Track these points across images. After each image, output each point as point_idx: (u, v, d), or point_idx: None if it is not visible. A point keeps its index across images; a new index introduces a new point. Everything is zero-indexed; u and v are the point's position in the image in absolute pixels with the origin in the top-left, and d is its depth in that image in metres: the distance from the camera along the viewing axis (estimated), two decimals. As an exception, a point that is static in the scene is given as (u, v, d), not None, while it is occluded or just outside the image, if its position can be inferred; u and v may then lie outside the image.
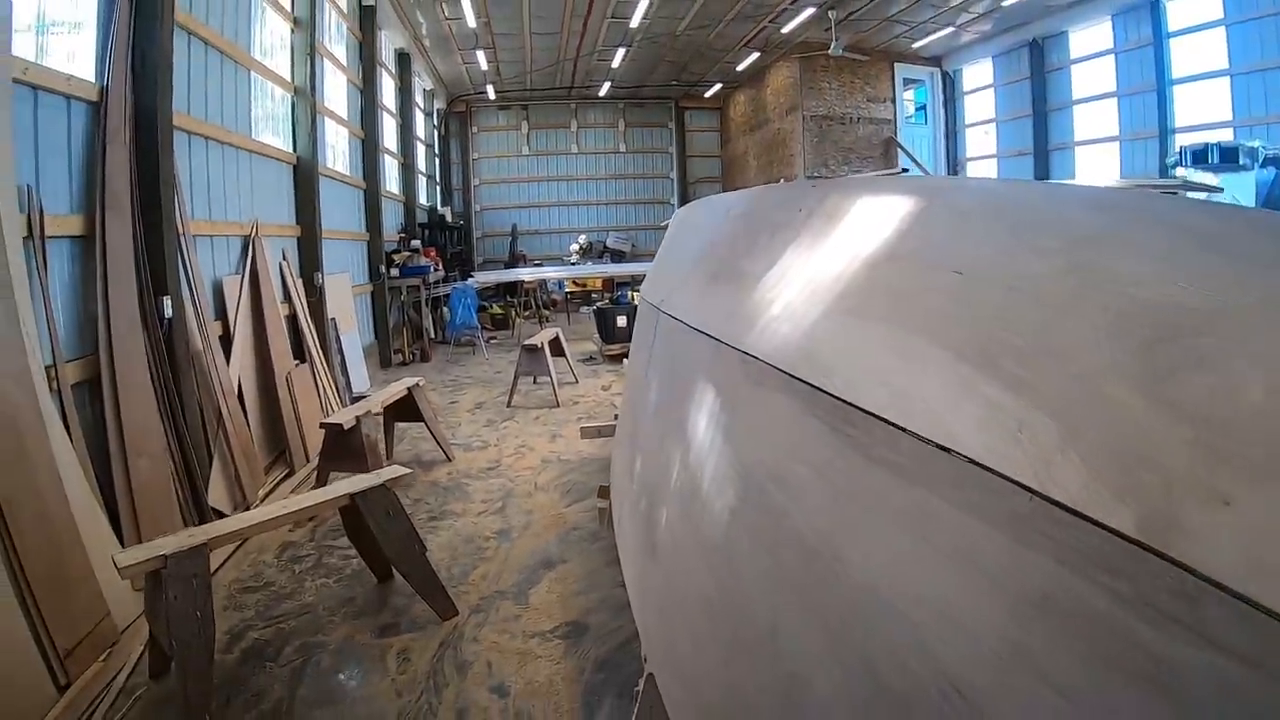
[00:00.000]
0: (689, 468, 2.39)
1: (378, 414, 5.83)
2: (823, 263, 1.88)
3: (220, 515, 5.09)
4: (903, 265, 1.59)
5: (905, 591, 1.15)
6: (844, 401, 1.36)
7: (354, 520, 3.97)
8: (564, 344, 9.82)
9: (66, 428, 3.87)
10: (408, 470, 4.00)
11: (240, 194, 6.76)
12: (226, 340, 6.01)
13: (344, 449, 5.15)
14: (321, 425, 5.29)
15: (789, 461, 1.60)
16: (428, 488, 5.95)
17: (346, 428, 5.14)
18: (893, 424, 1.22)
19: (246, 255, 6.70)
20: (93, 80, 4.52)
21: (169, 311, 4.89)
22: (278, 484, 6.10)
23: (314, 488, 5.41)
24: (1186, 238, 1.13)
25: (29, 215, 3.85)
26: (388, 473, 3.86)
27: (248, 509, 5.39)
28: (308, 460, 6.61)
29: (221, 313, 6.09)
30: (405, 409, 6.43)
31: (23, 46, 3.97)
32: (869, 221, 1.83)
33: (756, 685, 1.64)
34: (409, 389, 6.35)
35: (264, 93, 7.63)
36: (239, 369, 6.00)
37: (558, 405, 8.60)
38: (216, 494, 5.14)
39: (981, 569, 1.01)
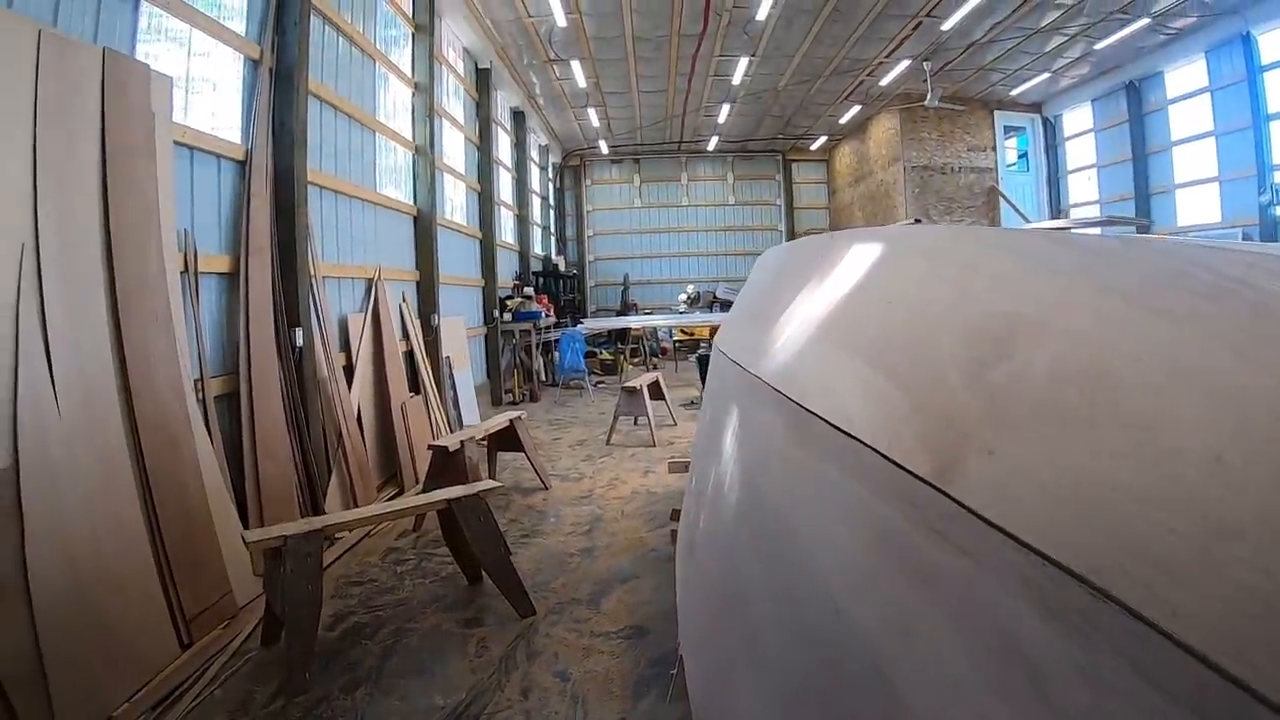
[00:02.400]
0: (719, 474, 2.76)
1: (481, 440, 6.30)
2: (812, 302, 2.24)
3: (336, 524, 5.66)
4: (855, 299, 1.95)
5: (818, 543, 1.47)
6: (799, 405, 1.69)
7: (450, 524, 4.42)
8: (664, 388, 10.16)
9: (208, 430, 4.49)
10: (498, 484, 4.43)
11: (365, 241, 7.52)
12: (349, 370, 6.67)
13: (449, 469, 5.63)
14: (429, 447, 5.80)
15: (766, 457, 1.96)
16: (523, 510, 6.36)
17: (451, 450, 5.63)
18: (819, 416, 1.53)
19: (369, 296, 7.42)
20: (238, 142, 5.27)
21: (300, 341, 5.54)
22: (389, 500, 6.65)
23: (419, 501, 5.92)
24: (1029, 262, 1.43)
25: (185, 254, 4.55)
26: (481, 485, 4.31)
27: (362, 522, 5.94)
28: (417, 481, 7.15)
29: (346, 345, 6.77)
30: (508, 439, 6.90)
31: (181, 111, 4.73)
32: (847, 267, 2.19)
33: (729, 644, 2.01)
34: (511, 420, 6.83)
35: (387, 151, 8.47)
36: (359, 396, 6.64)
37: (654, 445, 8.92)
38: (332, 502, 5.70)
39: (858, 518, 1.31)
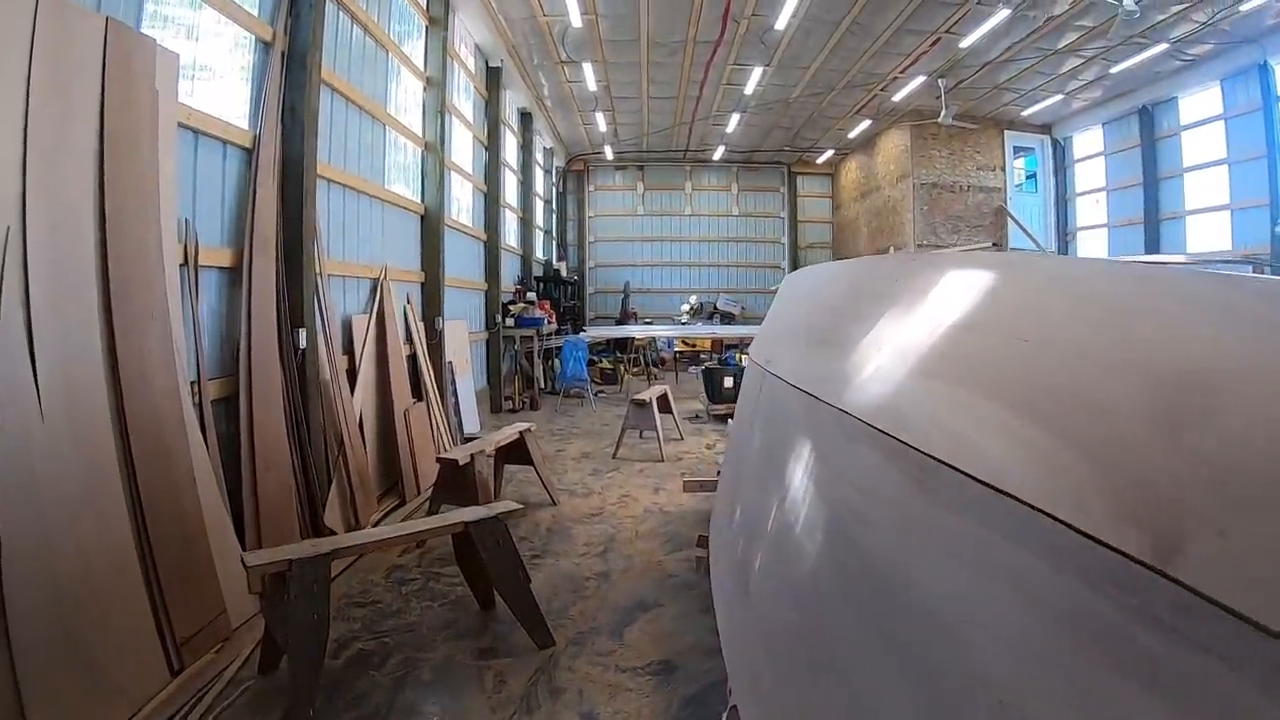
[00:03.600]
0: (784, 512, 2.49)
1: (490, 454, 5.98)
2: (909, 330, 2.06)
3: (333, 535, 5.32)
4: (976, 334, 1.78)
5: (963, 614, 1.31)
6: (919, 451, 1.53)
7: (465, 547, 4.09)
8: (671, 401, 9.86)
9: (204, 437, 4.16)
10: (519, 506, 4.09)
11: (371, 239, 7.20)
12: (351, 374, 6.34)
13: (457, 483, 5.31)
14: (438, 459, 5.48)
15: (870, 504, 1.77)
16: (532, 528, 6.03)
17: (461, 464, 5.30)
18: (956, 469, 1.37)
19: (374, 296, 7.10)
20: (246, 127, 4.95)
21: (303, 343, 5.21)
22: (389, 512, 6.33)
23: (427, 514, 5.58)
24: (1202, 306, 1.25)
25: (185, 245, 4.22)
26: (500, 506, 3.99)
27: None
28: (419, 492, 6.83)
29: (349, 348, 6.44)
30: (515, 452, 6.58)
31: (187, 92, 4.41)
32: (950, 294, 2.02)
33: (830, 708, 1.80)
34: (521, 433, 6.52)
35: (397, 146, 8.16)
36: (361, 401, 6.31)
37: (662, 460, 8.62)
38: (332, 515, 5.37)
39: (1026, 593, 1.16)
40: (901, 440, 1.63)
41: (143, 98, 3.81)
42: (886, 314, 2.32)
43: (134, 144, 3.71)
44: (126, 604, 3.27)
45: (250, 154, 4.92)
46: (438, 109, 8.91)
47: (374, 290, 7.14)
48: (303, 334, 5.20)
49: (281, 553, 3.25)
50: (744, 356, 14.86)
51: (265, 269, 4.88)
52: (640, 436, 9.52)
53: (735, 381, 11.86)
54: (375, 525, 5.90)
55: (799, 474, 2.46)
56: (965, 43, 12.20)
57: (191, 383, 4.15)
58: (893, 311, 2.30)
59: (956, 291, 2.06)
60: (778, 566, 2.44)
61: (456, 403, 9.39)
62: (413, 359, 7.91)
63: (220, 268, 4.63)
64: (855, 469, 1.94)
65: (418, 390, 7.82)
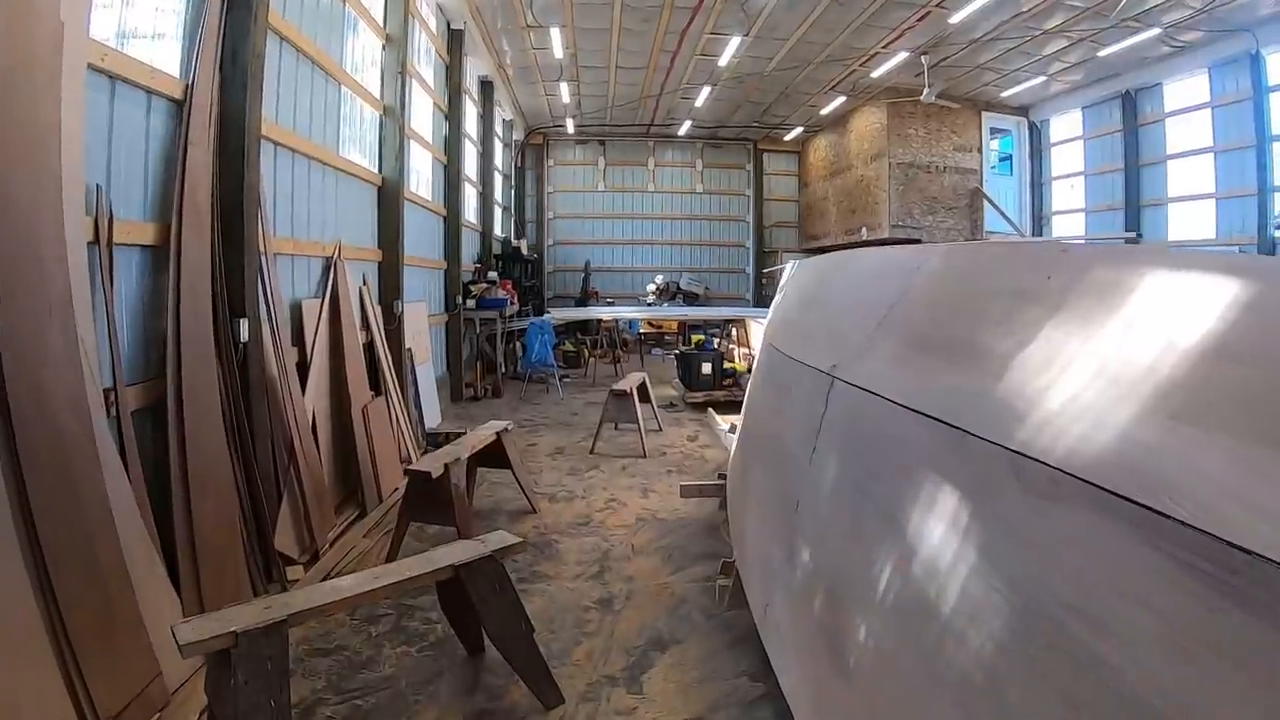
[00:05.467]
0: (911, 579, 1.96)
1: (465, 462, 5.25)
2: (1125, 351, 1.60)
3: (287, 560, 4.58)
4: (1252, 365, 1.34)
5: None
6: (1203, 532, 1.15)
7: (452, 591, 3.36)
8: (650, 390, 9.19)
9: (124, 459, 3.37)
10: (517, 539, 3.39)
11: (324, 213, 6.35)
12: (302, 368, 5.53)
13: (428, 498, 4.59)
14: (406, 471, 4.75)
15: (1108, 598, 1.34)
16: (512, 541, 5.33)
17: (434, 476, 4.56)
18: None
19: (327, 278, 6.26)
20: (177, 76, 4.09)
21: (245, 335, 4.41)
22: (348, 525, 5.57)
23: (392, 538, 4.84)
24: None
25: (96, 219, 3.39)
26: (494, 539, 3.27)
27: (315, 555, 4.87)
28: (380, 500, 6.07)
29: (299, 338, 5.62)
30: (490, 453, 5.84)
31: (103, 28, 3.56)
32: (1181, 306, 1.57)
33: None
34: (498, 434, 5.78)
35: (353, 109, 7.28)
36: (314, 399, 5.52)
37: (644, 455, 7.96)
38: (283, 537, 4.61)
39: None
40: (1170, 516, 1.21)
41: (40, 29, 2.96)
42: (1058, 321, 1.82)
43: (28, 86, 2.87)
44: (32, 686, 2.51)
45: (181, 108, 4.06)
46: (397, 70, 8.02)
47: (327, 270, 6.30)
48: (244, 324, 4.39)
49: (225, 620, 2.50)
50: (722, 341, 14.28)
51: (198, 247, 4.05)
52: (616, 428, 8.83)
53: (714, 368, 11.26)
54: (333, 542, 5.15)
55: (937, 529, 1.90)
56: (955, 18, 11.64)
57: (106, 391, 3.33)
58: (1068, 319, 1.81)
59: (1184, 302, 1.57)
60: (911, 649, 1.90)
61: (417, 394, 8.58)
62: (370, 348, 7.09)
63: (142, 246, 3.79)
64: (1070, 546, 1.46)
65: (376, 383, 7.01)
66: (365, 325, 7.03)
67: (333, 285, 6.24)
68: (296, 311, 5.67)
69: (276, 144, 5.30)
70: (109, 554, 3.00)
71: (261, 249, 4.80)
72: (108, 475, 3.11)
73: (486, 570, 3.09)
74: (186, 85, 4.09)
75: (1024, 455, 1.60)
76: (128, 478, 3.32)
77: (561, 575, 4.75)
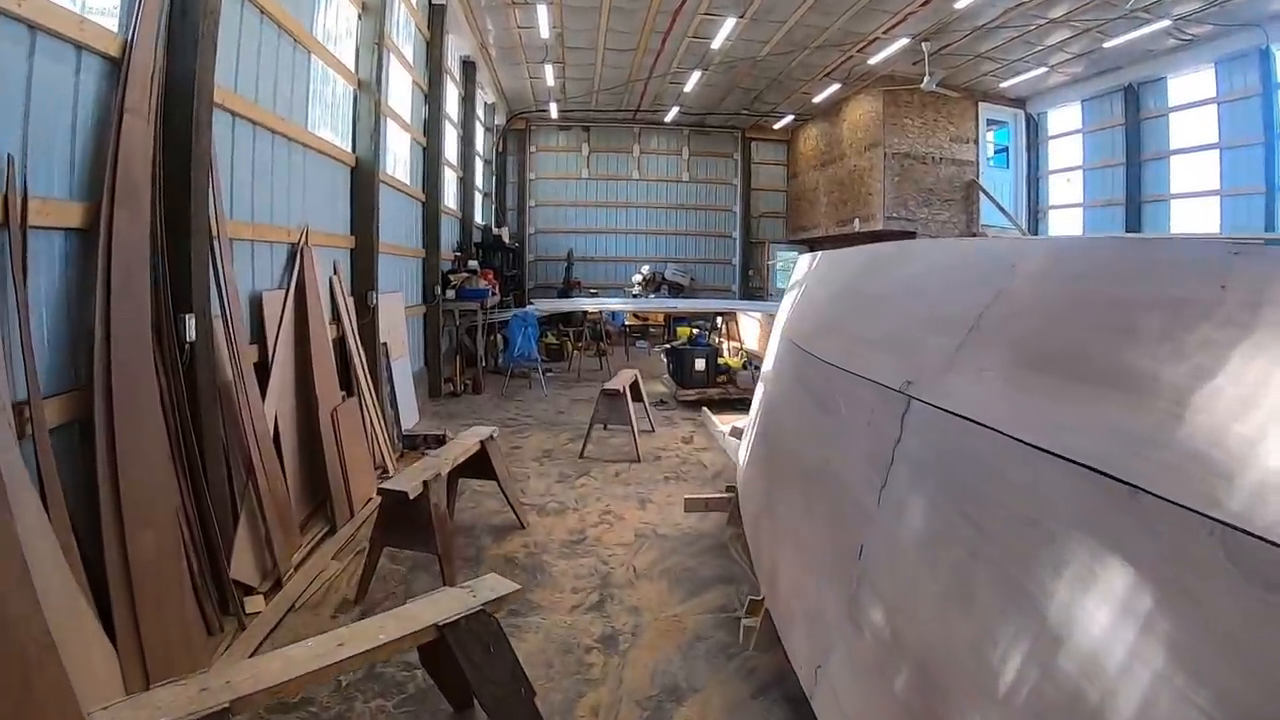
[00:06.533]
0: (1059, 673, 1.47)
1: (445, 477, 4.69)
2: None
3: (246, 590, 4.02)
4: None
5: None
6: None
7: (437, 651, 2.80)
8: (642, 388, 8.66)
9: (42, 489, 2.79)
10: (516, 587, 2.85)
11: (290, 194, 5.72)
12: (263, 369, 4.93)
13: (406, 521, 4.04)
14: (380, 491, 4.20)
15: None
16: (501, 563, 4.80)
17: (411, 497, 4.00)
18: None
19: (292, 267, 5.65)
20: (114, 31, 3.48)
21: (192, 334, 3.81)
22: (316, 544, 5.01)
23: (364, 566, 4.28)
24: None
25: (5, 195, 2.79)
26: (485, 589, 2.71)
27: (279, 582, 4.30)
28: (351, 514, 5.50)
29: (259, 335, 5.02)
30: (473, 462, 5.28)
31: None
32: None
33: None
34: (482, 442, 5.22)
35: (325, 82, 6.64)
36: (276, 404, 4.92)
37: (638, 459, 7.42)
38: (241, 564, 4.05)
39: None
40: None
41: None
42: (1255, 344, 1.35)
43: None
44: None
45: (118, 67, 3.46)
46: (374, 41, 7.38)
47: (291, 258, 5.68)
48: (191, 321, 3.79)
49: (153, 709, 1.94)
50: (715, 336, 13.75)
51: (135, 231, 3.45)
52: (605, 429, 8.28)
53: (707, 364, 10.76)
54: (300, 566, 4.59)
55: (1094, 616, 1.43)
56: (961, 3, 11.21)
57: (18, 405, 2.75)
58: (1268, 341, 1.34)
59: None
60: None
61: (393, 392, 7.99)
62: (341, 343, 6.50)
63: (66, 229, 3.18)
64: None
65: (348, 382, 6.43)
66: (336, 318, 6.44)
67: (299, 274, 5.63)
68: (256, 304, 5.06)
69: (235, 114, 4.69)
70: (23, 610, 2.40)
71: (214, 233, 4.21)
72: (20, 512, 2.51)
73: (477, 629, 2.55)
74: (125, 42, 3.48)
75: (1239, 529, 1.17)
76: (46, 513, 2.74)
77: (557, 606, 4.22)
